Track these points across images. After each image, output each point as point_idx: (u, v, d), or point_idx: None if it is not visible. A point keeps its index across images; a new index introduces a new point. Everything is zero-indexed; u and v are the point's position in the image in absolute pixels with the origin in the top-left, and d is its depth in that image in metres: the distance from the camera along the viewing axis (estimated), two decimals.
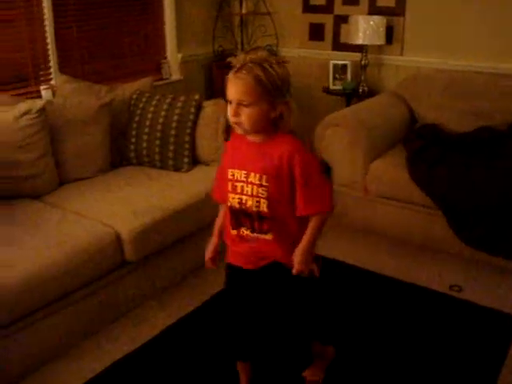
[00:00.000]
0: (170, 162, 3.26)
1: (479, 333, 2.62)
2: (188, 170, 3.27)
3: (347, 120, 3.49)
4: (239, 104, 1.74)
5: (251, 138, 1.85)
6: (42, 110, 2.92)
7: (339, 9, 4.37)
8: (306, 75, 4.63)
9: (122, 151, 3.37)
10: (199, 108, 3.32)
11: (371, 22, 3.99)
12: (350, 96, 4.26)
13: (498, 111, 3.55)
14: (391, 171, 3.34)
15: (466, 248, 3.09)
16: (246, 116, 1.74)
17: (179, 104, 3.29)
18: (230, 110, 1.77)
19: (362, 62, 4.17)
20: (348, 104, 4.23)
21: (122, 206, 2.78)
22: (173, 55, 4.37)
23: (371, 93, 4.19)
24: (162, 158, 3.26)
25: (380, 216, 3.44)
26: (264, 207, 1.83)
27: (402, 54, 4.19)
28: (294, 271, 1.86)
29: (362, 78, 4.21)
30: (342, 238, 3.52)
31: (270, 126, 1.81)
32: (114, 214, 2.71)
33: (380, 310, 2.81)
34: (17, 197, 2.88)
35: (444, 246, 3.22)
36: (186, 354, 2.48)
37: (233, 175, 1.87)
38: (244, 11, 4.59)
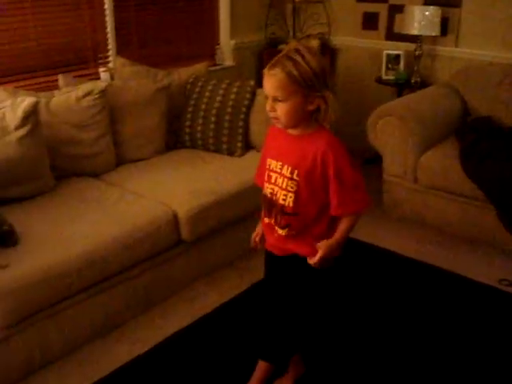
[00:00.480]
0: (224, 146, 3.32)
1: None
2: (241, 155, 3.33)
3: (400, 110, 3.48)
4: (275, 99, 1.74)
5: (290, 130, 1.84)
6: (104, 92, 3.01)
7: None
8: (358, 65, 4.64)
9: (176, 134, 3.45)
10: (254, 94, 3.37)
11: (427, 13, 3.96)
12: (402, 86, 4.25)
13: None
14: (443, 162, 3.34)
15: None
16: (281, 111, 1.74)
17: (234, 89, 3.34)
18: (267, 105, 1.78)
19: (416, 53, 4.14)
20: (400, 94, 4.21)
21: (178, 187, 2.86)
22: (226, 41, 4.42)
23: (424, 84, 4.17)
24: (216, 141, 3.32)
25: (430, 207, 3.45)
26: (290, 202, 1.83)
27: (456, 46, 4.14)
28: (311, 262, 1.83)
29: (415, 68, 4.18)
30: (391, 228, 3.55)
31: (308, 120, 1.79)
32: (171, 195, 2.79)
33: (427, 300, 2.83)
34: (77, 175, 2.99)
35: (494, 240, 3.20)
36: (235, 333, 2.55)
37: (269, 165, 1.89)
38: None
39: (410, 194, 3.52)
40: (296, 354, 2.23)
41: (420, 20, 3.99)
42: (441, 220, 3.42)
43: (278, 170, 1.86)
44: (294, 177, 1.81)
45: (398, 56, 4.31)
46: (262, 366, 2.13)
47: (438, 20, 4.01)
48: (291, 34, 4.80)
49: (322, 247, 1.82)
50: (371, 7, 4.49)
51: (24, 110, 2.56)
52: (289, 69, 1.69)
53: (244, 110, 3.32)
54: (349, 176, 1.79)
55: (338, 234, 1.85)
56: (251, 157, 3.30)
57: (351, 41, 4.65)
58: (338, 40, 4.68)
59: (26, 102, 2.59)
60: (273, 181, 1.88)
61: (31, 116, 2.60)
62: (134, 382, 2.28)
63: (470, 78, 3.87)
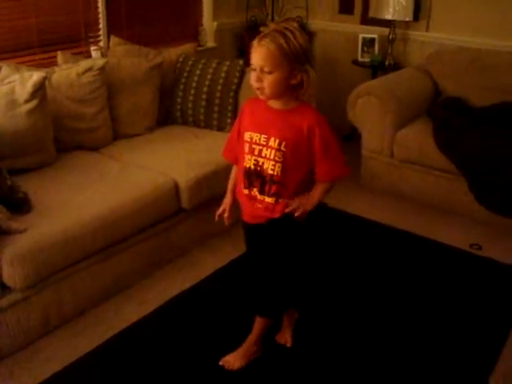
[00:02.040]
0: (214, 123, 3.50)
1: (497, 287, 2.90)
2: (230, 130, 3.50)
3: (378, 90, 3.73)
4: (261, 71, 1.84)
5: (272, 103, 1.97)
6: (103, 68, 3.15)
7: None
8: (334, 47, 4.87)
9: (168, 111, 3.61)
10: (243, 73, 3.55)
11: None
12: (377, 68, 4.49)
13: None
14: (417, 138, 3.60)
15: (486, 212, 3.37)
16: (267, 82, 1.85)
17: (225, 68, 3.52)
18: (253, 76, 1.88)
19: (390, 37, 4.38)
20: (374, 76, 4.45)
21: (175, 160, 3.04)
22: (209, 23, 4.57)
23: (397, 66, 4.42)
24: (206, 118, 3.50)
25: (406, 180, 3.71)
26: (278, 171, 1.97)
27: (427, 31, 4.40)
28: (290, 209, 2.01)
29: (389, 51, 4.43)
30: (369, 199, 3.80)
31: (290, 93, 1.92)
32: (170, 166, 2.96)
33: (403, 263, 3.08)
34: (77, 148, 3.13)
35: (465, 209, 3.48)
36: (232, 294, 2.75)
37: (251, 138, 2.00)
38: None
39: (386, 168, 3.78)
40: (289, 307, 2.45)
41: (394, 5, 4.22)
42: (415, 191, 3.69)
43: (263, 143, 1.97)
44: (282, 148, 1.95)
45: (372, 40, 4.55)
46: (259, 322, 2.32)
47: (410, 6, 4.24)
48: (270, 17, 4.98)
49: (303, 199, 2.03)
50: None
51: (33, 85, 2.69)
52: (279, 41, 1.81)
53: (234, 87, 3.50)
54: (333, 147, 1.99)
55: (317, 194, 2.04)
56: None
57: (328, 25, 4.86)
58: (316, 24, 4.89)
59: (34, 76, 2.71)
60: (256, 153, 1.99)
61: (39, 90, 2.73)
62: (142, 340, 2.46)
63: (441, 61, 4.12)
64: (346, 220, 3.52)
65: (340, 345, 2.45)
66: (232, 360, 2.31)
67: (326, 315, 2.63)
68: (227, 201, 2.25)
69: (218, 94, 3.47)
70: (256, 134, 1.99)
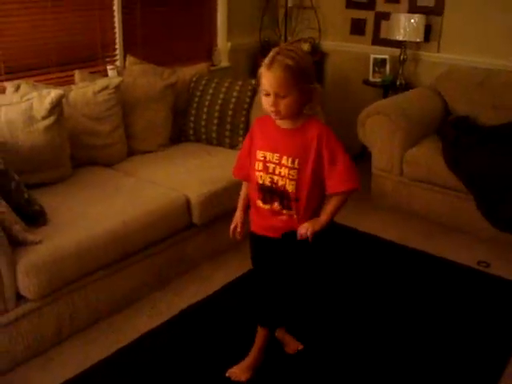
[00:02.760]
0: (227, 140, 3.58)
1: (505, 304, 2.92)
2: None
3: (388, 109, 3.79)
4: (277, 96, 1.90)
5: (280, 123, 2.04)
6: (118, 87, 3.25)
7: (381, 6, 4.66)
8: (346, 67, 4.95)
9: (181, 128, 3.70)
10: (255, 92, 3.63)
11: (412, 20, 4.28)
12: (388, 88, 4.56)
13: None
14: (426, 157, 3.65)
15: (494, 229, 3.40)
16: (284, 105, 1.92)
17: (237, 87, 3.61)
18: (267, 100, 1.94)
19: (401, 57, 4.46)
20: (385, 96, 4.52)
21: (188, 176, 3.12)
22: (223, 43, 4.68)
23: (408, 86, 4.49)
24: (218, 136, 3.59)
25: (415, 198, 3.76)
26: (293, 188, 2.03)
27: (438, 51, 4.47)
28: (301, 233, 2.07)
29: (400, 72, 4.50)
30: (379, 217, 3.85)
31: (301, 111, 2.00)
32: (183, 182, 3.04)
33: (412, 280, 3.12)
34: (92, 164, 3.22)
35: (473, 227, 3.52)
36: (242, 310, 2.79)
37: (264, 157, 2.06)
38: (290, 4, 4.89)
39: (396, 186, 3.83)
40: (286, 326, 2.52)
41: (405, 27, 4.30)
42: (424, 209, 3.73)
43: (276, 161, 2.04)
44: (295, 165, 2.01)
45: (384, 60, 4.62)
46: (260, 334, 2.37)
47: (421, 27, 4.32)
48: (283, 37, 5.08)
49: (313, 223, 2.07)
50: (359, 14, 4.80)
51: (51, 101, 2.79)
52: (288, 64, 1.88)
53: (246, 106, 3.59)
54: (341, 157, 2.02)
55: (328, 212, 2.09)
56: None
57: (340, 45, 4.95)
58: (328, 44, 4.98)
59: (52, 93, 2.81)
60: (271, 171, 2.06)
61: (57, 107, 2.83)
62: (152, 350, 2.51)
63: (452, 81, 4.19)
64: (356, 237, 3.56)
65: (347, 361, 2.49)
66: (238, 372, 2.35)
67: (334, 333, 2.67)
68: (238, 217, 2.32)
69: (230, 113, 3.56)
70: (269, 153, 2.06)
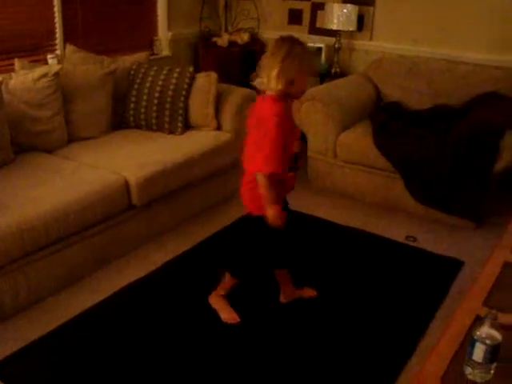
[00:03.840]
0: (166, 126, 3.69)
1: (430, 273, 3.15)
2: (181, 133, 3.70)
3: (322, 95, 3.97)
4: None
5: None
6: (57, 74, 3.32)
7: None
8: None
9: (121, 115, 3.79)
10: (193, 79, 3.75)
11: (345, 10, 4.48)
12: (324, 76, 4.75)
13: (455, 92, 4.09)
14: (359, 140, 3.84)
15: (421, 206, 3.63)
16: None
17: (175, 75, 3.72)
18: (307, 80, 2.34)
19: (336, 46, 4.66)
20: (322, 83, 4.70)
21: (127, 160, 3.22)
22: (163, 33, 4.78)
23: (343, 74, 4.69)
24: (158, 121, 3.69)
25: (348, 179, 3.95)
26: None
27: (371, 40, 4.69)
28: None
29: (335, 60, 4.70)
30: (314, 197, 4.04)
31: None
32: (122, 165, 3.14)
33: (346, 254, 3.31)
34: (33, 149, 3.29)
35: (403, 205, 3.74)
36: (181, 285, 2.95)
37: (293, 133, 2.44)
38: None
39: (330, 168, 4.01)
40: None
41: (339, 16, 4.50)
42: (357, 189, 3.93)
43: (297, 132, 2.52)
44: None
45: (319, 49, 4.80)
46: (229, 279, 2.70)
47: (354, 17, 4.53)
48: (223, 28, 5.21)
49: None
50: (296, 4, 4.97)
51: None
52: None
53: (184, 93, 3.70)
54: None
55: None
56: (190, 135, 3.70)
57: (278, 35, 5.05)
58: (267, 34, 5.14)
59: None
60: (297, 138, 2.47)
61: None
62: (95, 325, 2.63)
63: (383, 68, 4.41)
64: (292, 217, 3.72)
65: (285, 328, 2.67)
66: (228, 316, 2.65)
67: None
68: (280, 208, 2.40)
69: (168, 99, 3.67)
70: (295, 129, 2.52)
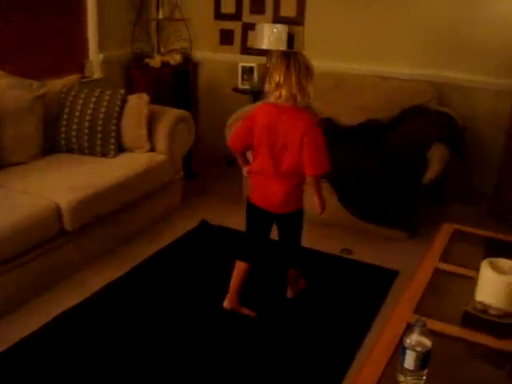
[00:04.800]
0: (98, 149, 3.64)
1: (366, 284, 3.21)
2: (114, 156, 3.67)
3: None
4: None
5: None
6: None
7: (247, 17, 4.91)
8: (217, 76, 5.16)
9: (52, 140, 3.71)
10: (124, 101, 3.73)
11: (275, 30, 4.56)
12: (257, 95, 4.80)
13: (383, 107, 4.21)
14: None
15: (355, 219, 3.70)
16: None
17: (106, 97, 3.68)
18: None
19: (267, 65, 4.72)
20: (254, 101, 4.75)
21: (59, 184, 3.16)
22: (94, 55, 4.73)
23: None
24: (90, 145, 3.64)
25: None
26: None
27: None
28: None
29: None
30: None
31: None
32: (53, 190, 3.08)
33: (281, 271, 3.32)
34: None
35: (336, 218, 3.80)
36: (116, 314, 2.89)
37: None
38: (161, 16, 5.03)
39: None
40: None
41: (269, 36, 4.57)
42: None
43: None
44: None
45: (251, 68, 4.87)
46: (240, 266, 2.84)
47: (284, 36, 4.61)
48: (156, 49, 5.21)
49: None
50: (227, 25, 5.03)
51: None
52: None
53: (115, 115, 3.67)
54: None
55: None
56: (123, 157, 3.67)
57: (211, 55, 5.15)
58: (199, 54, 5.17)
59: None
60: None
61: None
62: (26, 360, 2.52)
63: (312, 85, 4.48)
64: (228, 235, 3.73)
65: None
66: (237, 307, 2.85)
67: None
68: None
69: (100, 122, 3.63)
70: None
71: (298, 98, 2.51)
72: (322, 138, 2.56)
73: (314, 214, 2.76)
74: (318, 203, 2.68)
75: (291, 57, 2.52)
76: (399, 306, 2.14)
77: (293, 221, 2.82)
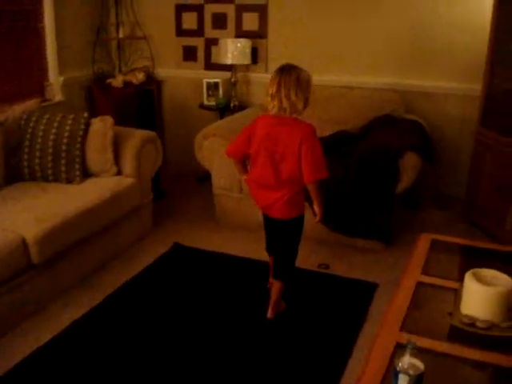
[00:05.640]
0: (63, 175, 3.52)
1: (346, 299, 3.15)
2: (80, 182, 3.54)
3: (223, 130, 3.94)
4: None
5: None
6: None
7: (209, 32, 4.86)
8: (182, 93, 5.08)
9: (14, 168, 3.58)
10: (88, 124, 3.61)
11: (238, 44, 4.51)
12: (223, 110, 4.74)
13: (352, 118, 4.19)
14: None
15: (330, 233, 3.65)
16: None
17: (69, 121, 3.56)
18: None
19: (232, 80, 4.67)
20: (221, 117, 4.69)
21: (24, 215, 3.02)
22: (55, 78, 4.61)
23: (241, 107, 4.70)
24: (54, 172, 3.52)
25: (256, 213, 3.90)
26: None
27: (266, 72, 4.74)
28: None
29: (233, 93, 4.70)
30: (225, 234, 3.97)
31: None
32: (18, 222, 2.94)
33: (260, 289, 3.24)
34: None
35: (312, 233, 3.73)
36: (91, 348, 2.77)
37: None
38: (121, 35, 4.94)
39: (238, 204, 3.97)
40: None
41: (233, 51, 4.52)
42: None
43: None
44: None
45: (216, 83, 4.81)
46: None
47: (248, 50, 4.57)
48: (118, 68, 5.11)
49: None
50: (190, 41, 4.96)
51: None
52: None
53: (79, 140, 3.55)
54: None
55: None
56: (90, 183, 3.55)
57: (174, 72, 5.08)
58: (162, 72, 5.09)
59: None
60: None
61: None
62: None
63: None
64: (202, 257, 3.64)
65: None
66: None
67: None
68: None
69: (64, 147, 3.50)
70: None
71: (288, 110, 2.64)
72: (318, 146, 2.68)
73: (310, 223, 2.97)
74: (318, 210, 2.81)
75: (284, 72, 2.66)
76: (385, 325, 2.08)
77: (294, 226, 2.91)
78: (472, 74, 4.12)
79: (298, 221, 2.91)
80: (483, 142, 3.90)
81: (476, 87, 4.01)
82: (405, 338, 1.95)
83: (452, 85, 4.27)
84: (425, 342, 1.90)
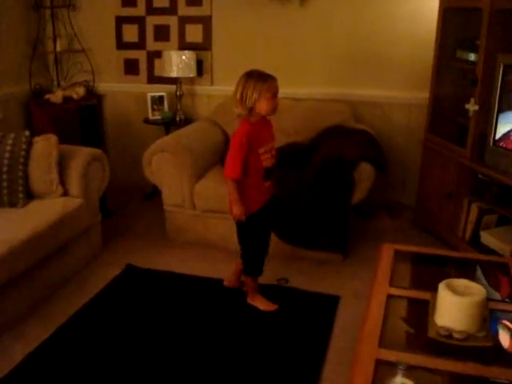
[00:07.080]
0: (5, 199, 3.31)
1: (310, 313, 3.09)
2: (24, 205, 3.34)
3: (172, 145, 3.82)
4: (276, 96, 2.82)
5: (263, 119, 2.92)
6: None
7: (151, 45, 4.73)
8: (125, 108, 4.93)
9: None
10: (30, 144, 3.42)
11: (183, 57, 4.40)
12: (169, 124, 4.62)
13: (302, 129, 4.16)
14: (215, 187, 3.72)
15: (287, 246, 3.59)
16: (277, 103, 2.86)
17: (9, 141, 3.36)
18: (274, 101, 2.81)
19: (177, 93, 4.55)
20: (167, 132, 4.56)
21: None
22: None
23: (188, 120, 4.59)
24: None
25: (211, 229, 3.82)
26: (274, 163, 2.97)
27: (212, 84, 4.66)
28: None
29: (178, 107, 4.59)
30: (177, 252, 3.83)
31: None
32: None
33: (217, 308, 3.16)
34: None
35: (270, 248, 3.66)
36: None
37: (265, 150, 2.89)
38: (58, 49, 4.74)
39: (190, 220, 3.86)
40: None
41: (178, 63, 4.41)
42: (220, 238, 3.81)
43: (269, 149, 2.91)
44: (274, 146, 3.00)
45: (161, 97, 4.68)
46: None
47: (193, 62, 4.48)
48: (56, 83, 4.90)
49: None
50: (131, 54, 4.82)
51: None
52: None
53: (22, 160, 3.35)
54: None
55: None
56: (34, 206, 3.35)
57: (116, 86, 4.91)
58: (103, 86, 4.92)
59: None
60: (269, 156, 2.91)
61: None
62: None
63: (226, 111, 4.35)
64: (157, 278, 3.49)
65: None
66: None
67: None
68: (243, 208, 2.91)
69: (5, 169, 3.29)
70: (263, 147, 2.88)
71: (236, 111, 2.84)
72: (234, 149, 2.82)
73: None
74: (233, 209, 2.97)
75: (243, 76, 2.83)
76: (362, 343, 2.03)
77: (240, 224, 3.05)
78: (417, 82, 4.19)
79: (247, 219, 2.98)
80: (432, 148, 3.96)
81: (421, 95, 4.07)
82: (384, 354, 1.92)
83: (398, 94, 4.32)
84: (405, 358, 1.86)
